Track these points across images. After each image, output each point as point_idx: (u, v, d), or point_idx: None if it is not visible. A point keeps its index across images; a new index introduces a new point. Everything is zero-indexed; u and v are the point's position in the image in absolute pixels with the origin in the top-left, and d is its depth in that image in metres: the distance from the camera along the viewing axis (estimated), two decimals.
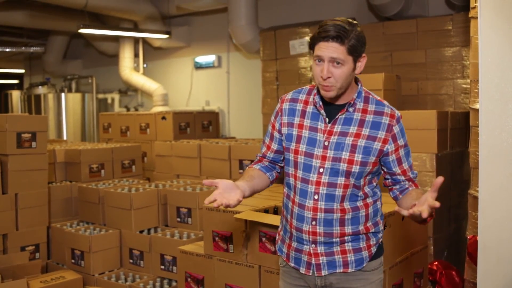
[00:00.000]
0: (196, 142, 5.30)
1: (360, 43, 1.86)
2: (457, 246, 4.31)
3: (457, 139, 4.24)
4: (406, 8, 5.57)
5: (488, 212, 2.32)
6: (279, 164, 2.19)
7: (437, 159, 3.87)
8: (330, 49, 1.82)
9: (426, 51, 5.23)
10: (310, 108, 2.02)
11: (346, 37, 1.82)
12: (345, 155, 1.92)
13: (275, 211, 3.18)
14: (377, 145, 1.93)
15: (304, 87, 2.11)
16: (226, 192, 1.89)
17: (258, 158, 2.23)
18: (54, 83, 9.62)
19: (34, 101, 8.86)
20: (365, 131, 1.93)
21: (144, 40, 8.62)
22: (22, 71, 11.58)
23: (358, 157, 1.92)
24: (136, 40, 8.63)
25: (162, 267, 3.99)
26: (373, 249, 2.03)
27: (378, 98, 2.01)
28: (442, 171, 3.94)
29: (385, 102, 2.00)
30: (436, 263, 3.82)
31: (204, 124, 6.47)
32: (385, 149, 1.95)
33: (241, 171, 4.71)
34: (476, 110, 3.00)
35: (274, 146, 2.14)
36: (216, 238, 3.17)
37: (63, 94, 8.76)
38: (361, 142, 1.92)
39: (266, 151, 2.18)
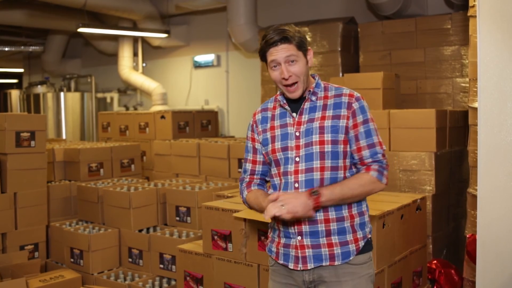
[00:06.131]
0: (195, 141, 5.30)
1: (304, 39, 2.02)
2: (456, 244, 4.31)
3: (456, 138, 4.23)
4: (405, 7, 5.57)
5: (487, 211, 2.32)
6: (267, 178, 2.25)
7: (436, 158, 3.87)
8: (281, 51, 1.96)
9: (425, 50, 5.24)
10: (277, 111, 2.15)
11: (291, 36, 1.96)
12: (315, 137, 2.01)
13: None
14: (342, 123, 2.02)
15: (271, 97, 2.22)
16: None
17: (246, 180, 2.27)
18: (53, 82, 9.63)
19: (33, 100, 8.86)
20: (329, 113, 2.04)
21: (143, 39, 8.61)
22: (21, 70, 11.58)
23: (328, 136, 2.01)
24: (135, 39, 8.63)
25: (161, 266, 3.99)
26: (361, 243, 2.04)
27: (337, 86, 2.13)
28: (441, 170, 3.94)
29: (344, 87, 2.11)
30: (435, 261, 3.83)
31: (203, 123, 6.47)
32: (347, 125, 2.02)
33: (239, 170, 4.71)
34: (475, 109, 3.00)
35: (260, 158, 2.21)
36: (215, 237, 3.17)
37: (62, 93, 8.76)
38: (328, 123, 2.02)
39: (253, 167, 2.24)
